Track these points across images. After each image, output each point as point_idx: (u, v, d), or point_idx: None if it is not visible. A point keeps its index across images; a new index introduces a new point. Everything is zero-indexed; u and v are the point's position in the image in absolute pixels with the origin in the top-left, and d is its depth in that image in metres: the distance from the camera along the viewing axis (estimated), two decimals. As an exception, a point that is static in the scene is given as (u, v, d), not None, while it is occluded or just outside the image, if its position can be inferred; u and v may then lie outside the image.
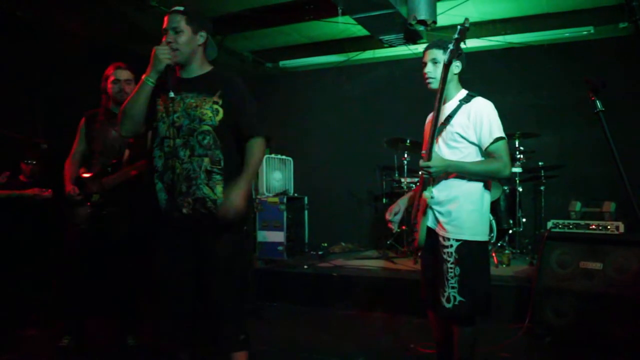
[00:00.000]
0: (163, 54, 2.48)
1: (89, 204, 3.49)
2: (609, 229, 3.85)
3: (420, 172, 2.64)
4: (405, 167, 6.11)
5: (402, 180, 5.99)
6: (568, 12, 5.94)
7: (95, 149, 3.59)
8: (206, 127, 2.51)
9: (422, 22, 4.66)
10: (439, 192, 2.64)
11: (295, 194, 6.74)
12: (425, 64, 2.73)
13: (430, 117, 2.79)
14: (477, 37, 6.38)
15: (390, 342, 3.96)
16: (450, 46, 2.46)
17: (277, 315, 4.64)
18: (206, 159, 2.49)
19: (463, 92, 2.72)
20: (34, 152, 5.13)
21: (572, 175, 5.95)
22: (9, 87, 5.18)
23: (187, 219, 2.53)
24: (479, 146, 2.61)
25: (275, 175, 6.70)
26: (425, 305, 2.82)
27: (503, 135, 2.57)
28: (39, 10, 5.21)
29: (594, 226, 3.93)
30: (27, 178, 5.10)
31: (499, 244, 5.50)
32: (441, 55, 2.64)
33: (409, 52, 6.86)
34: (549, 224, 4.11)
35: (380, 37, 5.71)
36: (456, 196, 2.61)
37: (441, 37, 6.59)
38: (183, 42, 2.53)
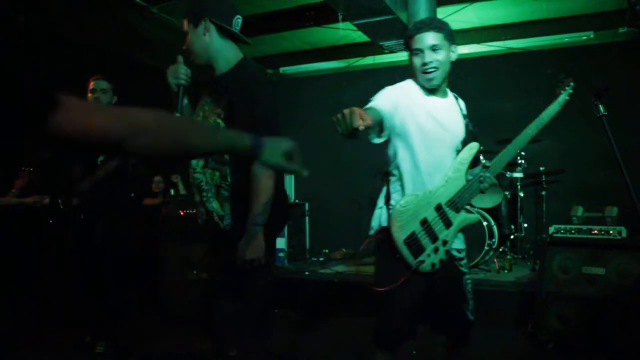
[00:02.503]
0: (171, 77, 2.31)
1: (69, 207, 3.66)
2: (611, 233, 3.84)
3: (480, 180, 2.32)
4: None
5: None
6: (568, 17, 5.96)
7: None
8: None
9: (423, 28, 4.66)
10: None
11: (296, 201, 6.73)
12: (420, 51, 2.27)
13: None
14: (477, 42, 6.39)
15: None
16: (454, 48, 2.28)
17: (278, 321, 4.61)
18: (217, 173, 2.32)
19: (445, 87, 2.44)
20: (30, 159, 5.13)
21: (574, 180, 5.94)
22: (9, 92, 5.20)
23: (203, 228, 2.44)
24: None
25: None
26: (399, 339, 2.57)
27: None
28: (40, 17, 5.22)
29: (596, 231, 3.92)
30: (26, 185, 5.08)
31: (500, 250, 5.49)
32: (442, 41, 2.25)
33: (410, 57, 6.88)
34: (551, 229, 4.10)
35: (381, 43, 5.72)
36: None
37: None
38: (191, 43, 2.33)
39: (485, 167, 2.32)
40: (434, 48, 2.24)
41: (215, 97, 2.33)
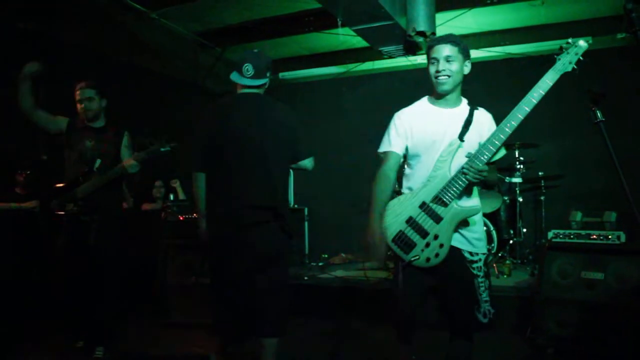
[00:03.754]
0: None
1: (62, 212, 3.64)
2: (610, 238, 3.84)
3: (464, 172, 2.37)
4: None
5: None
6: (566, 22, 5.98)
7: (70, 156, 3.74)
8: None
9: (422, 34, 4.68)
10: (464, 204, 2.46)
11: (295, 205, 6.73)
12: (436, 60, 2.48)
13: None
14: (476, 47, 6.41)
15: (392, 354, 3.93)
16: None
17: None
18: None
19: (464, 99, 2.64)
20: (27, 161, 5.13)
21: (573, 185, 5.95)
22: (8, 98, 5.21)
23: None
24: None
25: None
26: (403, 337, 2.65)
27: None
28: (39, 22, 5.23)
29: (595, 236, 3.92)
30: (24, 189, 5.08)
31: (499, 255, 5.49)
32: (456, 54, 2.47)
33: (409, 63, 6.89)
34: (550, 234, 4.10)
35: (380, 49, 5.74)
36: (480, 213, 2.53)
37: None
38: None
39: (467, 157, 2.41)
40: (448, 59, 2.47)
41: None
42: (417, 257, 2.42)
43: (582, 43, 2.51)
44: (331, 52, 7.09)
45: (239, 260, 2.89)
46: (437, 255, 2.41)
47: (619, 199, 2.11)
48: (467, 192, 2.46)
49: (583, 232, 3.99)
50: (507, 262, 5.29)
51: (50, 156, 4.49)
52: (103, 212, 3.66)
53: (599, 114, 2.14)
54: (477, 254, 2.51)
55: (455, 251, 2.46)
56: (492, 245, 5.16)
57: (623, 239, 3.80)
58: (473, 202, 2.51)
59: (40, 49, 5.34)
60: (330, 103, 7.62)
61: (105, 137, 3.72)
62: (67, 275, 3.68)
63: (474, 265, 2.51)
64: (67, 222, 3.65)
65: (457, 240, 2.47)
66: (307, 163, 3.12)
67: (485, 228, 5.07)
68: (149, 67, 6.82)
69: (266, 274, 2.92)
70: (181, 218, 4.84)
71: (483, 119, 2.60)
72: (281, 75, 7.91)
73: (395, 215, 2.51)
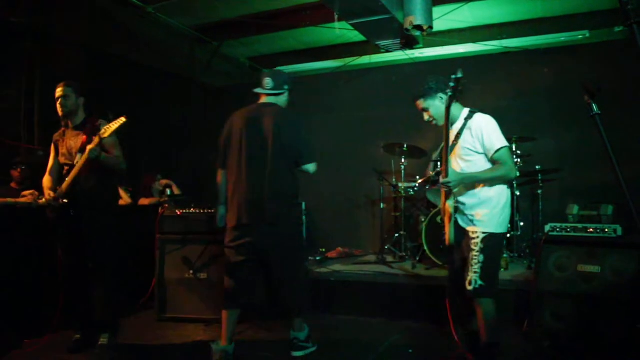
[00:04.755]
0: None
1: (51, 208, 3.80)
2: (606, 232, 3.85)
3: (440, 186, 3.09)
4: (403, 171, 6.11)
5: (400, 184, 5.99)
6: (563, 16, 5.97)
7: (61, 161, 3.95)
8: None
9: (419, 27, 4.67)
10: (467, 199, 3.15)
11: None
12: (422, 113, 3.26)
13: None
14: (473, 41, 6.41)
15: (389, 348, 3.95)
16: (449, 92, 2.92)
17: (274, 320, 4.61)
18: None
19: (466, 111, 3.17)
20: (23, 156, 5.12)
21: (569, 178, 5.95)
22: (6, 94, 5.20)
23: None
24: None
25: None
26: (448, 293, 3.39)
27: (504, 144, 3.02)
28: (34, 17, 5.21)
29: (591, 229, 3.93)
30: (19, 185, 5.06)
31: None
32: (425, 103, 3.20)
33: (406, 57, 6.88)
34: (547, 228, 4.11)
35: (377, 43, 5.72)
36: (480, 201, 3.11)
37: (439, 41, 6.59)
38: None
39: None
40: (424, 110, 3.24)
41: None
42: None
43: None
44: (328, 46, 7.07)
45: (252, 242, 3.50)
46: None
47: (616, 192, 2.11)
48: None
49: (580, 226, 4.00)
50: (504, 255, 5.29)
51: (47, 152, 4.47)
52: (92, 206, 3.80)
53: (595, 107, 2.13)
54: (476, 232, 3.10)
55: (461, 230, 3.21)
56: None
57: (620, 232, 3.81)
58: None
59: (37, 45, 5.35)
60: (327, 97, 7.61)
61: (85, 132, 3.83)
62: (64, 268, 3.85)
63: (472, 242, 3.09)
64: (58, 217, 3.80)
65: (464, 222, 3.21)
66: (310, 168, 3.68)
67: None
68: (145, 61, 6.80)
69: (280, 255, 3.56)
70: (179, 212, 4.84)
71: (473, 128, 3.15)
72: (278, 69, 7.88)
73: None
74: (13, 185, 5.10)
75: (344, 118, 7.36)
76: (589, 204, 4.31)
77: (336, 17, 5.10)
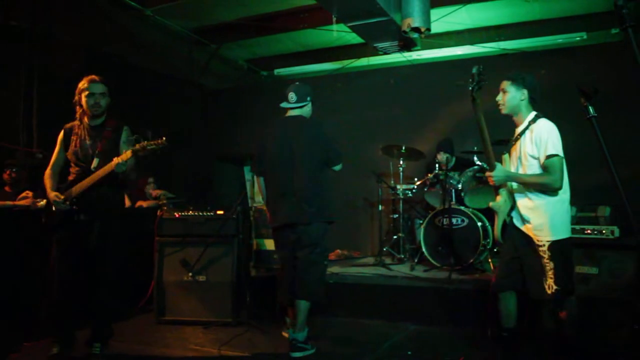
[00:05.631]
0: None
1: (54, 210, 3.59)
2: (604, 233, 3.87)
3: (485, 177, 3.30)
4: (401, 173, 6.11)
5: (398, 186, 5.99)
6: (561, 18, 6.00)
7: (70, 159, 3.70)
8: None
9: (417, 30, 4.67)
10: (524, 201, 3.21)
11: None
12: (500, 92, 3.34)
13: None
14: (471, 43, 6.42)
15: (387, 350, 3.95)
16: (527, 96, 3.23)
17: (273, 323, 4.61)
18: None
19: (532, 114, 3.26)
20: (16, 158, 5.07)
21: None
22: (4, 96, 5.19)
23: None
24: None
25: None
26: (496, 285, 3.42)
27: (556, 152, 3.05)
28: (32, 19, 5.21)
29: (589, 231, 3.95)
30: (12, 187, 5.02)
31: (495, 250, 5.50)
32: (509, 87, 3.30)
33: (404, 59, 6.89)
34: (545, 229, 4.11)
35: (375, 45, 5.72)
36: (538, 205, 3.14)
37: (437, 43, 6.59)
38: None
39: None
40: (503, 91, 3.32)
41: None
42: None
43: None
44: (326, 48, 7.09)
45: (287, 241, 3.93)
46: None
47: (613, 194, 2.12)
48: None
49: (577, 227, 4.01)
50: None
51: (46, 155, 4.47)
52: (106, 214, 3.64)
53: (591, 110, 2.14)
54: (540, 240, 3.13)
55: (514, 228, 3.34)
56: (488, 240, 5.18)
57: (617, 233, 3.82)
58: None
59: (35, 48, 5.34)
60: (325, 99, 7.58)
61: (104, 135, 3.66)
62: (59, 274, 3.59)
63: (540, 249, 3.12)
64: (60, 221, 3.60)
65: (519, 222, 3.32)
66: (337, 167, 4.14)
67: (480, 223, 5.12)
68: (143, 63, 6.81)
69: (304, 251, 3.90)
70: (177, 215, 4.84)
71: (534, 136, 3.24)
72: (276, 71, 7.91)
73: None
74: (7, 189, 5.05)
75: (342, 120, 7.35)
76: (587, 206, 4.33)
77: (334, 19, 5.11)
